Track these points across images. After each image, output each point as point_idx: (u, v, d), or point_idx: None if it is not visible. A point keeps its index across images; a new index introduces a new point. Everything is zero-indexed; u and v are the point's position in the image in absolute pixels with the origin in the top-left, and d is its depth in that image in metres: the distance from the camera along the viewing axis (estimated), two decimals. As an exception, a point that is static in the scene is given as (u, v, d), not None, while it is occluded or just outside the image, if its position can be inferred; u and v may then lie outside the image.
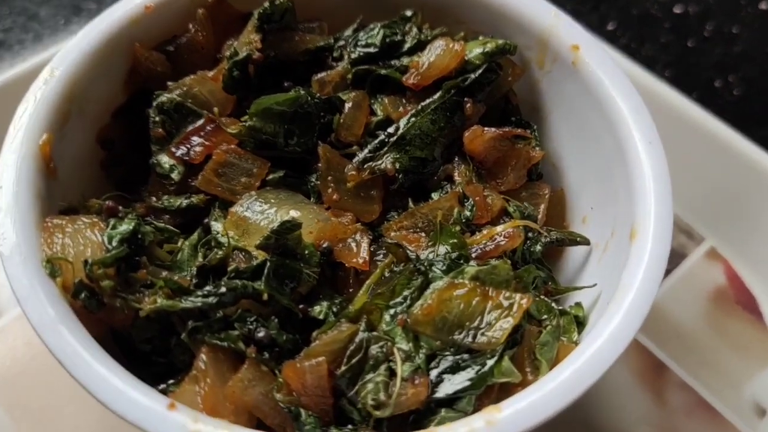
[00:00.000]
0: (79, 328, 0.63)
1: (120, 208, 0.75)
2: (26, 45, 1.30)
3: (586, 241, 0.82)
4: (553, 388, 0.61)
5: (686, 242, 1.07)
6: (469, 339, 0.67)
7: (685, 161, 1.06)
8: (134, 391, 0.60)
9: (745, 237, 1.06)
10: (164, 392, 0.65)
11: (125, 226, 0.70)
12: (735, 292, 1.03)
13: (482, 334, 0.67)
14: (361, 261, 0.73)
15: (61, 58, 0.79)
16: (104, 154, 0.85)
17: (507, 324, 0.67)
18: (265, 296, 0.69)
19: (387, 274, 0.73)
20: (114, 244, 0.69)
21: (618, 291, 0.67)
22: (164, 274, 0.71)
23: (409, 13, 0.89)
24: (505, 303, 0.68)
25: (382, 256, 0.76)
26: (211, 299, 0.68)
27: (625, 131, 0.77)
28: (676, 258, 1.05)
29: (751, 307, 1.02)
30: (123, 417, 0.58)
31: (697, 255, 1.06)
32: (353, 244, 0.75)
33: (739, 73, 1.34)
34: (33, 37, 1.32)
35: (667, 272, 1.01)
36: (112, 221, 0.71)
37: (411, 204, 0.80)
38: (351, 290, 0.75)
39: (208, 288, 0.69)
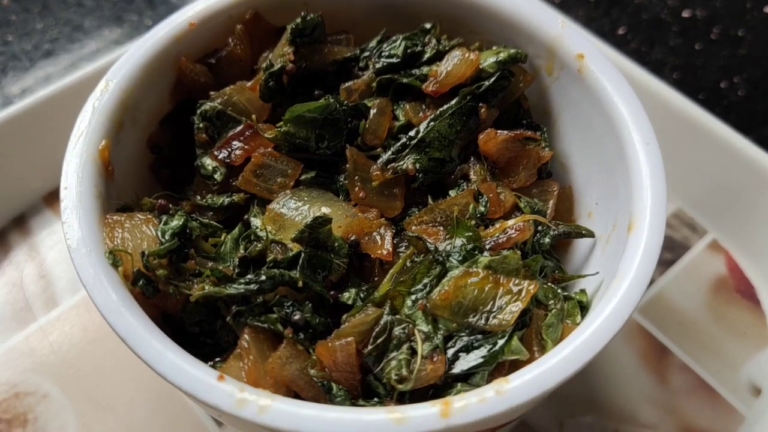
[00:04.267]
0: (139, 311, 0.71)
1: (170, 206, 0.83)
2: (73, 53, 1.39)
3: (590, 234, 0.89)
4: (556, 363, 0.68)
5: (690, 235, 1.13)
6: (482, 321, 0.75)
7: (689, 160, 1.13)
8: (187, 365, 0.68)
9: (744, 230, 1.12)
10: (212, 368, 0.72)
11: (176, 222, 0.79)
12: (735, 281, 1.09)
13: (494, 317, 0.75)
14: (385, 252, 0.81)
15: (114, 71, 0.87)
16: (153, 157, 0.94)
17: (516, 308, 0.75)
18: (300, 283, 0.76)
19: (408, 264, 0.80)
20: (167, 237, 0.77)
21: (615, 278, 0.74)
22: (210, 264, 0.79)
23: (428, 25, 0.96)
24: (515, 289, 0.76)
25: (404, 248, 0.83)
26: (253, 286, 0.76)
27: (625, 133, 0.84)
28: (679, 249, 1.12)
29: (750, 294, 1.08)
30: (178, 386, 0.66)
31: (700, 247, 1.13)
32: (378, 237, 0.82)
33: (744, 74, 1.39)
34: (79, 46, 1.41)
35: (671, 262, 1.09)
36: (164, 218, 0.80)
37: (430, 201, 0.87)
38: (376, 278, 0.82)
39: (249, 276, 0.77)
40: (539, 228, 0.86)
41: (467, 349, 0.75)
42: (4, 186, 1.14)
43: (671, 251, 1.11)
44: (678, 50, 1.42)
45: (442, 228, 0.84)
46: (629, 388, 0.99)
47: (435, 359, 0.73)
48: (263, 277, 0.76)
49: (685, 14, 1.48)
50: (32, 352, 1.01)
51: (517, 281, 0.76)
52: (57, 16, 1.46)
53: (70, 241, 0.74)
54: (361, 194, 0.86)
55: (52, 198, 1.15)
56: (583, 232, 0.89)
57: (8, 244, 1.11)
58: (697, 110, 1.16)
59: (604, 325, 0.70)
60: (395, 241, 0.83)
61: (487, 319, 0.75)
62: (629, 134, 0.84)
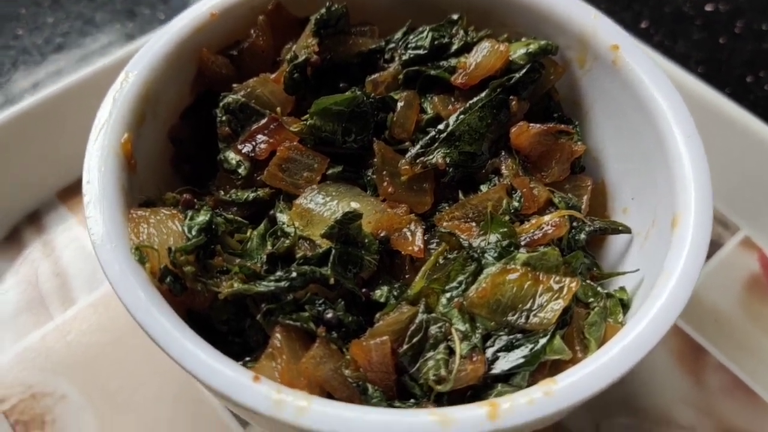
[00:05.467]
0: (168, 309, 0.68)
1: (195, 201, 0.81)
2: (85, 48, 1.37)
3: (627, 230, 0.87)
4: (603, 364, 0.66)
5: (722, 232, 1.11)
6: (522, 320, 0.72)
7: (719, 155, 1.09)
8: (221, 365, 0.65)
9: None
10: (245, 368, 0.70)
11: (202, 218, 0.76)
12: (768, 278, 1.07)
13: (535, 316, 0.72)
14: (416, 249, 0.78)
15: (135, 63, 0.85)
16: (173, 151, 0.91)
17: (558, 306, 0.72)
18: (332, 280, 0.73)
19: (441, 261, 0.78)
20: (193, 233, 0.75)
21: (661, 276, 0.72)
22: (238, 261, 0.77)
23: (455, 16, 0.93)
24: (556, 286, 0.73)
25: (435, 244, 0.80)
26: (284, 283, 0.73)
27: (665, 126, 0.81)
28: (712, 247, 1.08)
29: (783, 292, 1.06)
30: (212, 387, 0.64)
31: (733, 244, 1.10)
32: (408, 234, 0.80)
33: (770, 69, 1.37)
34: (90, 40, 1.38)
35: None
36: (189, 213, 0.77)
37: (461, 196, 0.84)
38: (407, 276, 0.79)
39: (279, 273, 0.74)
40: (574, 224, 0.84)
41: (507, 348, 0.72)
42: (18, 182, 1.11)
43: (704, 248, 1.09)
44: (702, 44, 1.40)
45: (474, 224, 0.81)
46: (665, 389, 0.97)
47: (475, 359, 0.71)
48: (294, 274, 0.74)
49: (708, 8, 1.46)
50: (49, 351, 0.98)
51: (557, 278, 0.74)
52: (68, 10, 1.43)
53: (95, 236, 0.71)
54: (389, 189, 0.83)
55: (66, 194, 1.13)
56: (620, 228, 0.87)
57: (22, 242, 1.08)
58: (728, 104, 1.13)
59: (652, 324, 0.68)
60: (426, 238, 0.80)
61: (527, 317, 0.72)
62: (669, 127, 0.81)
